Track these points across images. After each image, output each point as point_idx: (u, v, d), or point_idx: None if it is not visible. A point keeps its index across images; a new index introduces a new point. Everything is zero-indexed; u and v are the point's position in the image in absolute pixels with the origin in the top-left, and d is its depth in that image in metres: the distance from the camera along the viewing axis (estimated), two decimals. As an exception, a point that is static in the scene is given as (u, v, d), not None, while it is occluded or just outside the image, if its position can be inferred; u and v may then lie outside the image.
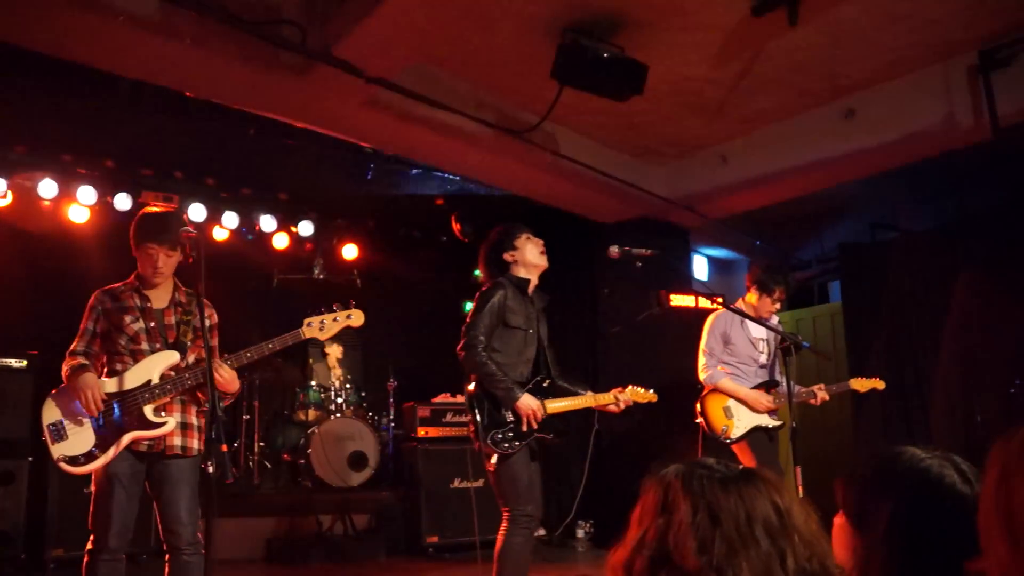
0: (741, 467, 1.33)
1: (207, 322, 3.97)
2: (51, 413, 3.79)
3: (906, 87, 6.23)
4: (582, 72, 5.48)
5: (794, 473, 3.67)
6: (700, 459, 1.36)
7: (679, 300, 8.25)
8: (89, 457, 3.73)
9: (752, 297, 5.72)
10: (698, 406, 5.58)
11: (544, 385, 4.43)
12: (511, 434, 4.25)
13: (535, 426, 4.23)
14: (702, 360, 5.67)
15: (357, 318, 4.00)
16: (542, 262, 4.56)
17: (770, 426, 5.52)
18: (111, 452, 3.73)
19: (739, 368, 5.63)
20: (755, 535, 1.21)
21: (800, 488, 3.62)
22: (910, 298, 7.64)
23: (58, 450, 3.73)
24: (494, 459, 4.22)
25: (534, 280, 4.60)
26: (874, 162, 6.84)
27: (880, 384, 5.73)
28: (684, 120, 6.94)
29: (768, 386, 5.56)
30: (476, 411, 4.32)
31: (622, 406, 4.56)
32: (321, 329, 3.95)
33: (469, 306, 4.53)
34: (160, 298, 4.00)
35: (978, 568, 1.23)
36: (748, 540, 1.21)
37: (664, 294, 6.40)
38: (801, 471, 3.61)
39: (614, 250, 4.37)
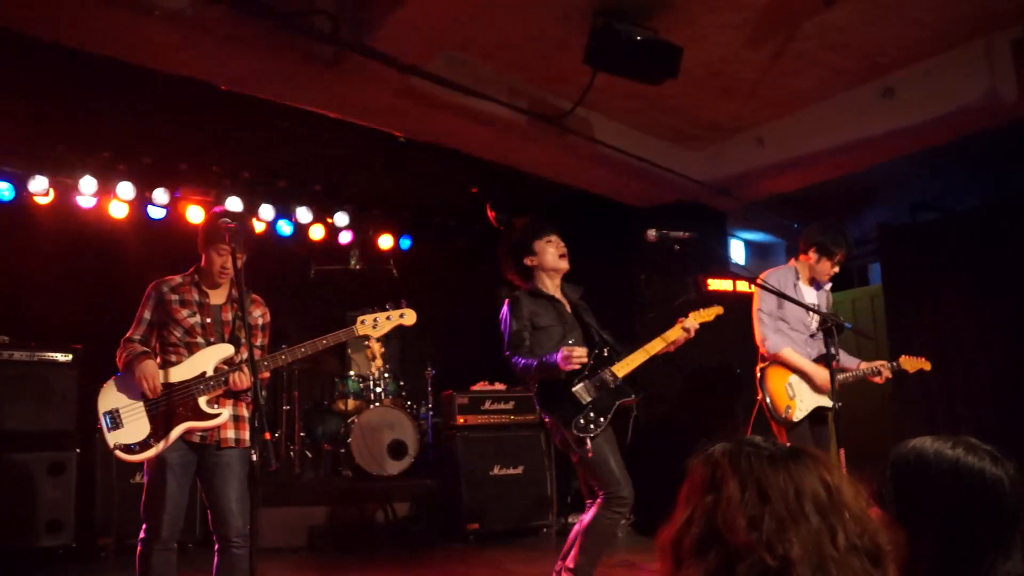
0: (789, 445, 1.32)
1: (260, 320, 4.06)
2: (107, 401, 3.86)
3: (946, 63, 6.11)
4: (615, 56, 5.45)
5: (837, 455, 3.63)
6: (747, 437, 1.35)
7: (717, 284, 8.22)
8: (144, 446, 3.80)
9: (810, 259, 5.31)
10: (758, 381, 5.12)
11: (605, 355, 4.43)
12: (593, 413, 4.24)
13: (581, 359, 4.14)
14: (759, 325, 5.22)
15: (410, 317, 4.09)
16: (560, 266, 4.60)
17: (828, 406, 4.88)
18: (166, 441, 3.80)
19: (790, 336, 5.18)
20: (805, 511, 1.21)
21: (843, 469, 3.58)
22: (953, 280, 7.50)
23: (114, 438, 3.80)
24: (589, 444, 4.18)
25: (555, 281, 4.62)
26: (914, 141, 6.74)
27: (927, 365, 5.32)
28: (719, 102, 6.88)
29: (826, 360, 4.81)
30: (549, 407, 4.35)
31: (692, 333, 4.53)
32: (375, 327, 4.02)
33: (503, 295, 4.58)
34: (218, 294, 4.08)
35: None
36: (798, 516, 1.20)
37: (702, 278, 6.38)
38: (844, 453, 3.58)
39: (651, 233, 4.35)
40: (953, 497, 1.62)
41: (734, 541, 1.20)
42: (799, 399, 4.96)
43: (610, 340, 4.59)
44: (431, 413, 8.49)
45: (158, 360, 3.95)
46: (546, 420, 4.44)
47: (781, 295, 4.81)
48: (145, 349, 3.92)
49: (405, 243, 9.58)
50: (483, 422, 7.57)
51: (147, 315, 3.99)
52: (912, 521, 1.59)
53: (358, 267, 8.92)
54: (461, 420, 7.51)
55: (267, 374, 3.99)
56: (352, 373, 8.59)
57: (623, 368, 4.39)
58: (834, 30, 5.73)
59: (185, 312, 3.95)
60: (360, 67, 5.39)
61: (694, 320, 4.56)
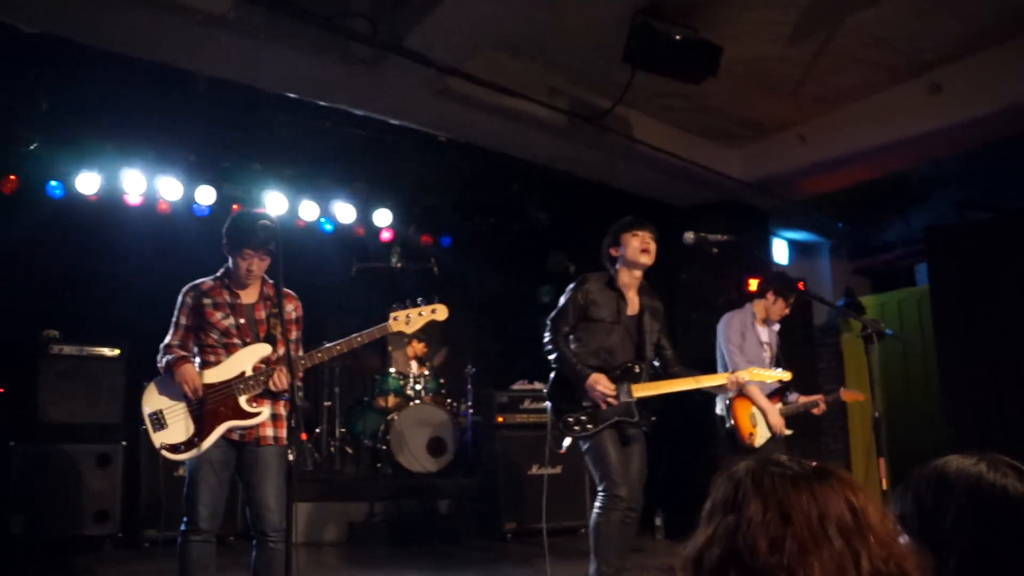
0: (815, 464, 1.29)
1: (293, 314, 4.11)
2: (150, 403, 3.96)
3: (996, 58, 5.97)
4: (655, 55, 5.42)
5: (877, 465, 3.57)
6: (772, 456, 1.33)
7: (757, 285, 8.12)
8: (189, 445, 3.89)
9: (768, 300, 5.92)
10: (724, 408, 5.71)
11: (636, 371, 4.42)
12: (584, 418, 4.27)
13: (612, 405, 4.22)
14: (730, 356, 5.77)
15: (441, 312, 4.12)
16: (640, 259, 4.58)
17: (783, 436, 5.69)
18: (209, 440, 3.88)
19: None
20: (828, 535, 1.18)
21: (884, 480, 3.53)
22: (1003, 281, 7.32)
23: (159, 438, 3.89)
24: (565, 443, 4.28)
25: (635, 274, 4.62)
26: (962, 138, 6.61)
27: (862, 397, 6.21)
28: (760, 101, 6.80)
29: (782, 392, 5.79)
30: (552, 395, 4.46)
31: (732, 388, 4.60)
32: (407, 323, 4.06)
33: (546, 293, 4.66)
34: (249, 293, 4.12)
35: None
36: (820, 539, 1.18)
37: (744, 278, 6.34)
38: (885, 463, 3.52)
39: (689, 236, 4.34)
40: (976, 516, 1.56)
41: (754, 563, 1.18)
42: (760, 427, 5.64)
43: (668, 354, 4.64)
44: (471, 411, 8.51)
45: (196, 362, 4.02)
46: (548, 407, 4.51)
47: (826, 302, 4.91)
48: (184, 353, 4.00)
49: (446, 241, 9.62)
50: (522, 421, 7.55)
51: (183, 320, 4.07)
52: (936, 544, 1.53)
53: (399, 265, 8.96)
54: (500, 419, 7.51)
55: (304, 368, 4.04)
56: (392, 370, 8.63)
57: (642, 390, 4.40)
58: (878, 26, 5.64)
59: (219, 315, 4.01)
60: (399, 68, 5.42)
61: (747, 376, 4.62)
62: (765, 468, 1.28)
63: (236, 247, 4.00)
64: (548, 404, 4.53)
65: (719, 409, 5.81)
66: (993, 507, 1.55)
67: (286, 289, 4.17)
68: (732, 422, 5.63)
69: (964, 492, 1.57)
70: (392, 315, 4.06)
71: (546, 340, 4.50)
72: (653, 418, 4.55)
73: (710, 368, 5.75)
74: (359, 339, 4.00)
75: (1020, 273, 7.22)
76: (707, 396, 5.61)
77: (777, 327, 6.03)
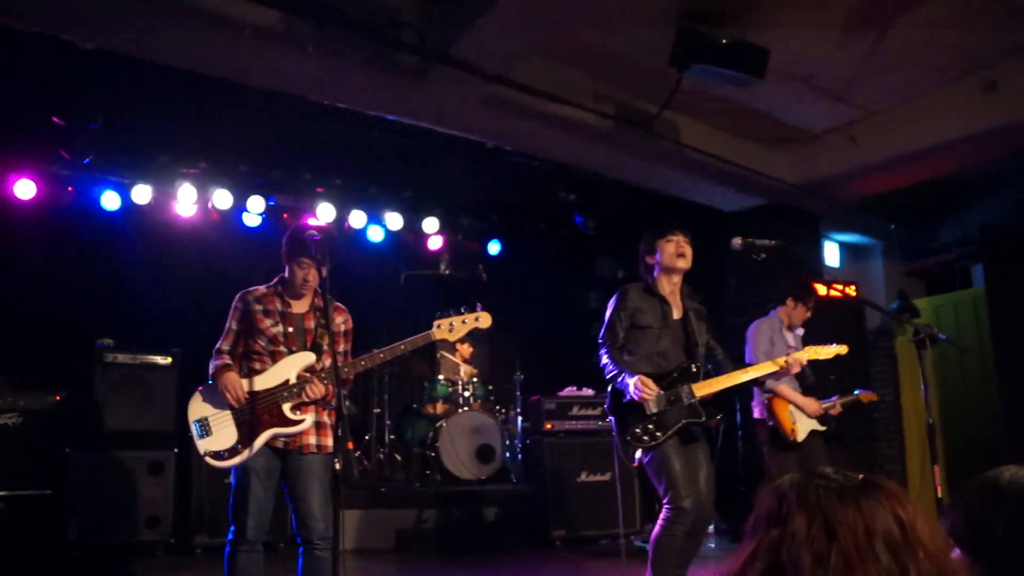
0: (861, 477, 1.26)
1: (343, 327, 4.15)
2: (197, 410, 4.01)
3: (1053, 54, 5.84)
4: (702, 59, 5.38)
5: (932, 473, 3.50)
6: (818, 469, 1.30)
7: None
8: (232, 452, 3.92)
9: (788, 306, 6.15)
10: (764, 410, 5.93)
11: (692, 370, 4.40)
12: (651, 426, 4.22)
13: (649, 396, 4.17)
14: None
15: (485, 320, 4.14)
16: (676, 264, 4.52)
17: (821, 430, 5.93)
18: (253, 447, 3.91)
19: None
20: (875, 550, 1.15)
21: (939, 488, 3.46)
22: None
23: (204, 445, 3.93)
24: (637, 454, 4.20)
25: (674, 279, 4.58)
26: (1019, 137, 6.46)
27: (874, 397, 6.37)
28: (809, 103, 6.72)
29: (807, 393, 5.97)
30: (614, 409, 4.39)
31: (796, 368, 4.57)
32: (451, 330, 4.08)
33: (594, 299, 4.65)
34: (301, 303, 4.17)
35: None
36: (867, 555, 1.15)
37: (807, 283, 6.30)
38: (941, 470, 3.44)
39: (737, 242, 4.30)
40: None
41: (798, 579, 1.16)
42: (800, 423, 5.87)
43: (718, 353, 4.59)
44: (519, 418, 8.50)
45: (245, 367, 4.08)
46: (610, 421, 4.45)
47: (877, 307, 4.91)
48: (229, 362, 4.05)
49: (494, 248, 9.64)
50: (571, 428, 7.53)
51: (234, 325, 4.13)
52: (987, 557, 1.48)
53: (447, 272, 9.00)
54: (549, 425, 7.49)
55: (351, 376, 4.06)
56: (441, 377, 8.66)
57: (703, 388, 4.35)
58: (929, 25, 5.54)
59: (269, 322, 4.06)
60: (446, 77, 5.46)
61: (804, 355, 4.61)
62: (810, 481, 1.25)
63: (295, 255, 4.05)
64: (611, 419, 4.46)
65: (757, 413, 6.03)
66: None
67: (337, 303, 4.21)
68: (773, 421, 5.84)
69: (1017, 504, 1.51)
70: (436, 323, 4.07)
71: (602, 359, 4.46)
72: (720, 415, 4.49)
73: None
74: (403, 347, 4.02)
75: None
76: (744, 403, 5.57)
77: (801, 331, 6.20)
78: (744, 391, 4.46)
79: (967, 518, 1.54)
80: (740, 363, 4.72)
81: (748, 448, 6.76)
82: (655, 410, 4.22)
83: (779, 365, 4.52)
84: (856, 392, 6.27)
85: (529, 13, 4.97)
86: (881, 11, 5.33)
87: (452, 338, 4.10)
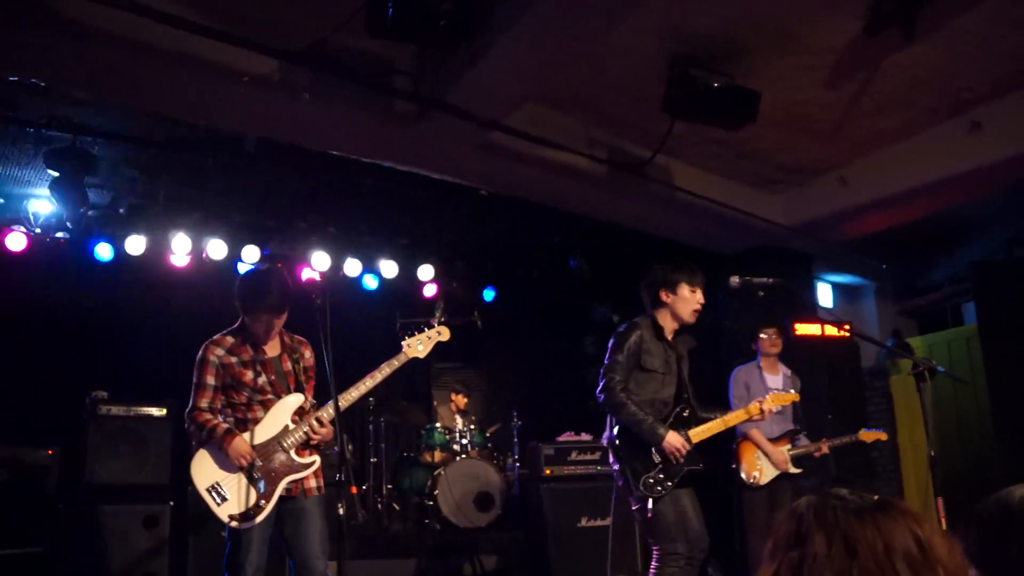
0: (877, 497, 1.27)
1: (310, 361, 4.17)
2: (204, 477, 3.91)
3: (1035, 95, 5.93)
4: (693, 103, 5.45)
5: (935, 505, 3.50)
6: (834, 489, 1.31)
7: (804, 329, 8.05)
8: (257, 510, 3.87)
9: (762, 340, 6.39)
10: (732, 452, 6.23)
11: (685, 415, 4.40)
12: (662, 476, 4.21)
13: (681, 461, 4.18)
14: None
15: (444, 333, 4.46)
16: (690, 319, 4.55)
17: (793, 473, 6.12)
18: (273, 500, 3.89)
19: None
20: (896, 568, 1.16)
21: (943, 520, 3.45)
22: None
23: (225, 511, 3.85)
24: (651, 504, 4.17)
25: (673, 326, 4.58)
26: (1005, 176, 6.53)
27: (883, 436, 6.33)
28: (800, 145, 6.80)
29: (792, 434, 6.22)
30: (622, 457, 4.34)
31: (767, 416, 4.65)
32: (420, 348, 4.28)
33: (591, 344, 4.62)
34: (271, 347, 4.15)
35: None
36: (888, 572, 1.16)
37: (791, 323, 6.37)
38: (943, 502, 3.45)
39: (735, 280, 4.33)
40: None
41: (820, 598, 1.16)
42: (765, 466, 6.10)
43: (690, 396, 4.57)
44: (517, 464, 8.45)
45: (231, 420, 4.03)
46: (614, 467, 4.40)
47: (875, 341, 4.89)
48: (225, 425, 3.96)
49: (489, 295, 9.66)
50: (570, 472, 7.47)
51: (210, 380, 4.01)
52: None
53: (443, 319, 8.99)
54: (548, 471, 7.45)
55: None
56: (438, 425, 8.62)
57: (699, 435, 4.36)
58: (916, 67, 5.63)
59: (250, 374, 4.02)
60: (441, 123, 5.51)
61: (771, 403, 4.67)
62: (827, 501, 1.26)
63: (251, 311, 4.03)
64: (615, 462, 4.41)
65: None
66: None
67: (299, 336, 4.23)
68: (736, 464, 6.17)
69: None
70: (404, 344, 4.27)
71: (605, 393, 4.36)
72: (708, 457, 4.51)
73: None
74: (381, 373, 4.15)
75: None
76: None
77: (789, 372, 6.45)
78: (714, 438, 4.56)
79: (980, 537, 1.56)
80: (708, 407, 4.74)
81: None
82: (660, 460, 4.22)
83: (750, 414, 4.59)
84: (860, 432, 6.28)
85: (523, 60, 5.03)
86: (868, 54, 5.42)
87: (422, 355, 4.30)
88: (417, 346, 4.28)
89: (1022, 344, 7.29)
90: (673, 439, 4.18)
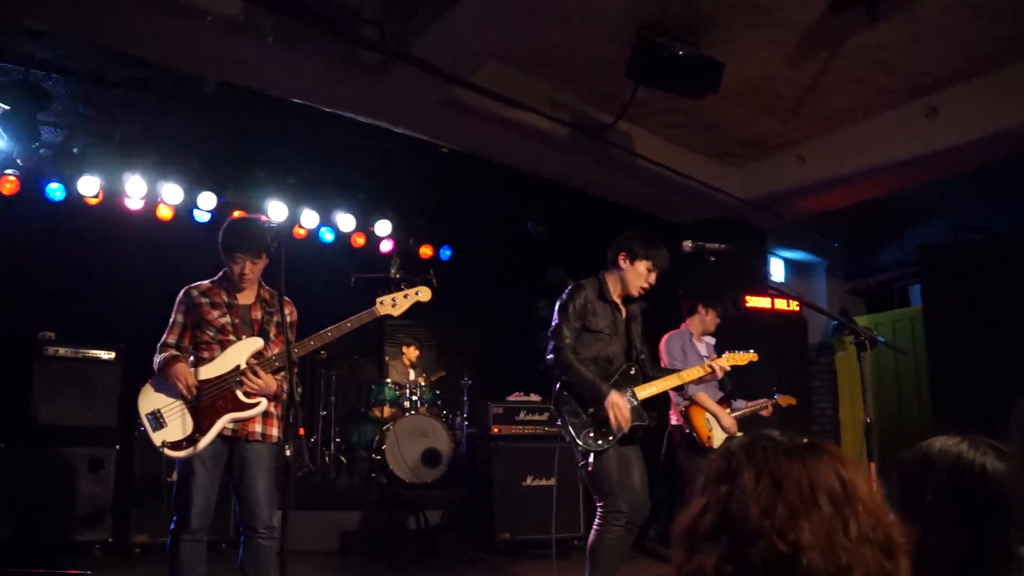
0: (806, 440, 1.33)
1: (288, 318, 4.14)
2: (147, 403, 3.96)
3: (992, 83, 6.06)
4: (657, 70, 5.48)
5: (868, 469, 3.61)
6: (764, 431, 1.37)
7: (755, 301, 8.18)
8: (191, 441, 3.89)
9: (700, 313, 6.54)
10: (679, 417, 6.26)
11: (631, 372, 4.46)
12: (603, 430, 4.26)
13: (622, 424, 4.22)
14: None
15: (425, 294, 4.24)
16: (634, 293, 4.58)
17: (739, 436, 6.15)
18: (210, 435, 3.91)
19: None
20: (818, 502, 1.22)
21: (875, 484, 3.56)
22: (995, 301, 7.38)
23: (160, 436, 3.88)
24: (591, 459, 4.22)
25: (620, 292, 4.62)
26: (958, 161, 6.69)
27: (794, 401, 6.81)
28: (760, 120, 6.88)
29: (727, 400, 6.34)
30: (565, 412, 4.38)
31: (720, 374, 4.70)
32: (393, 306, 4.16)
33: (543, 307, 4.64)
34: (246, 295, 4.21)
35: None
36: (810, 505, 1.21)
37: (741, 295, 6.46)
38: (876, 468, 3.56)
39: (687, 244, 4.36)
40: (954, 492, 1.64)
41: (746, 527, 1.22)
42: (716, 429, 6.18)
43: (645, 354, 4.63)
44: (466, 422, 8.52)
45: (191, 359, 4.08)
46: (557, 422, 4.47)
47: (824, 312, 4.93)
48: (175, 353, 4.05)
49: (445, 253, 9.66)
50: (517, 432, 7.55)
51: (179, 318, 4.14)
52: (918, 518, 1.59)
53: (398, 276, 9.00)
54: (496, 430, 7.52)
55: (275, 386, 4.06)
56: (389, 381, 8.65)
57: (644, 391, 4.43)
58: (878, 49, 5.72)
59: (216, 313, 4.09)
60: (405, 75, 5.49)
61: (725, 362, 4.77)
62: (758, 442, 1.32)
63: (229, 251, 4.09)
64: (557, 417, 4.46)
65: (674, 420, 6.36)
66: (970, 483, 1.64)
67: (286, 298, 4.21)
68: (690, 428, 6.16)
69: (945, 470, 1.67)
70: (379, 300, 4.15)
71: (555, 354, 4.40)
72: (654, 412, 4.57)
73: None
74: (348, 325, 4.07)
75: (1011, 293, 7.29)
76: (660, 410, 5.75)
77: (712, 340, 6.58)
78: (660, 397, 4.59)
79: (901, 484, 1.66)
80: (658, 366, 4.81)
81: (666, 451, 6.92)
82: (626, 428, 4.26)
83: (706, 371, 4.67)
84: (775, 397, 6.62)
85: (490, 17, 5.02)
86: (833, 32, 5.48)
87: (396, 313, 4.17)
88: (391, 304, 4.15)
89: (963, 325, 7.52)
90: (615, 398, 4.22)
